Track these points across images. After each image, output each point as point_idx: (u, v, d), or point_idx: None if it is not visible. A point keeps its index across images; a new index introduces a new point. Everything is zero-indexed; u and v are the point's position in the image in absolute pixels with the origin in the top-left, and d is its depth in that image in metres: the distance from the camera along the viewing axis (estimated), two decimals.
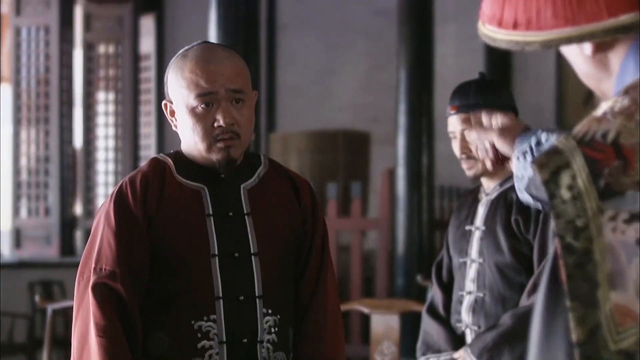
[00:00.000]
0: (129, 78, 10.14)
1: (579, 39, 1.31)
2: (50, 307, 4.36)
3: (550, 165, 1.22)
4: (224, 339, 2.46)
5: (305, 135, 9.70)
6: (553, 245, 1.21)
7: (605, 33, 1.29)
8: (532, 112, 8.57)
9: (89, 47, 10.21)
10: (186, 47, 2.57)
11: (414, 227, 7.52)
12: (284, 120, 11.25)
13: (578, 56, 1.36)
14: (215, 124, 2.47)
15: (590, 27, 1.30)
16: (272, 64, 11.34)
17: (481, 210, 3.24)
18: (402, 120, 7.57)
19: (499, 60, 9.96)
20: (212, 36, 6.55)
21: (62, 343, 8.68)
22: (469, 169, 3.18)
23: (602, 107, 1.27)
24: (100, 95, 10.32)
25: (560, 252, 1.19)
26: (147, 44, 10.58)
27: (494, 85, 3.26)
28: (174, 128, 2.57)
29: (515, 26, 1.34)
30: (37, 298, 4.81)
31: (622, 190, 1.20)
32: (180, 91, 2.50)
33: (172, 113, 2.54)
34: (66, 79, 9.76)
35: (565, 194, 1.20)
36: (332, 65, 11.21)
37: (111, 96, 10.26)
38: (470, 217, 3.26)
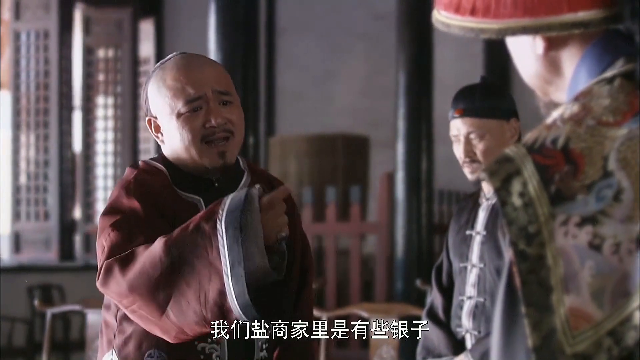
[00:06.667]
0: (128, 82, 10.14)
1: (535, 30, 1.30)
2: (50, 311, 4.35)
3: (501, 172, 1.22)
4: None
5: (305, 139, 9.70)
6: (508, 252, 1.22)
7: (562, 27, 1.29)
8: (531, 116, 8.55)
9: (88, 52, 10.21)
10: (161, 61, 2.50)
11: (413, 231, 7.51)
12: (283, 124, 11.25)
13: (529, 54, 1.36)
14: (207, 125, 2.37)
15: (548, 19, 1.29)
16: (271, 67, 11.35)
17: (482, 215, 3.22)
18: (401, 124, 7.57)
19: (499, 64, 9.95)
20: (212, 40, 6.55)
21: (61, 347, 8.69)
22: (471, 173, 3.12)
23: (553, 115, 1.28)
24: (100, 100, 10.32)
25: (513, 259, 1.20)
26: (147, 48, 10.59)
27: (499, 90, 3.24)
28: (160, 143, 2.48)
29: (473, 12, 1.33)
30: (36, 302, 4.80)
31: (573, 195, 1.20)
32: (165, 102, 2.42)
33: (158, 128, 2.46)
34: (65, 83, 9.77)
35: (516, 201, 1.21)
36: (332, 69, 11.21)
37: (110, 100, 10.26)
38: (471, 222, 3.23)
